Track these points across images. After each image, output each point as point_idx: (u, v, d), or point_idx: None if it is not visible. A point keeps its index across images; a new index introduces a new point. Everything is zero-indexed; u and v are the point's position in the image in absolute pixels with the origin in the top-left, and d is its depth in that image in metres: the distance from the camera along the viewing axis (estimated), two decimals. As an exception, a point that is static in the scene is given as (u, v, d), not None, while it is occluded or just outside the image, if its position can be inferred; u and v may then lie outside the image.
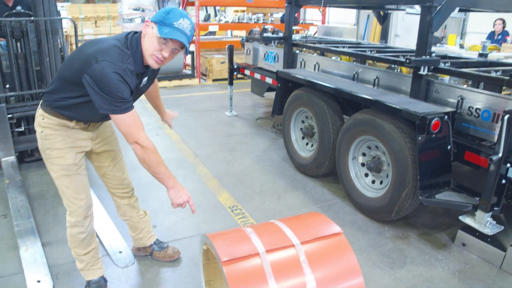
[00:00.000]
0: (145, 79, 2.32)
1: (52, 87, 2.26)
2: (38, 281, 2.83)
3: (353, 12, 12.23)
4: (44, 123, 2.30)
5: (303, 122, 4.51)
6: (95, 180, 3.72)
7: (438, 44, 8.64)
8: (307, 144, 4.51)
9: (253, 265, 1.79)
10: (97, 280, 2.66)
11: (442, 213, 3.72)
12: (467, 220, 3.08)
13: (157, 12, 2.11)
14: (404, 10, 5.40)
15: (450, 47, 8.38)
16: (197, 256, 3.06)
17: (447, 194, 3.13)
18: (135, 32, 2.20)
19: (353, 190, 3.70)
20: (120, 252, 3.10)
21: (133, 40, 2.14)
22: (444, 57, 4.36)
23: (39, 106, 2.35)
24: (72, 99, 2.20)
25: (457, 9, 3.47)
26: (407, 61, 3.21)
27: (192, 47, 9.88)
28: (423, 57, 3.32)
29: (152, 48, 2.10)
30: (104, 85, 2.00)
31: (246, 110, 7.15)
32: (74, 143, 2.37)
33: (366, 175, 3.67)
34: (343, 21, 12.55)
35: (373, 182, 3.62)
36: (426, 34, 3.28)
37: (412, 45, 3.52)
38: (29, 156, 4.93)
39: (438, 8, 3.23)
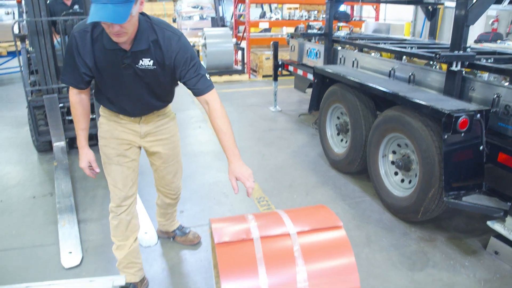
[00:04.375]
0: (134, 69, 2.13)
1: None
2: (70, 252, 3.08)
3: (411, 8, 11.82)
4: (101, 111, 2.44)
5: (338, 118, 4.48)
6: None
7: (499, 41, 8.14)
8: (341, 140, 4.48)
9: (246, 250, 1.83)
10: (127, 284, 2.65)
11: (478, 218, 3.53)
12: (496, 226, 2.93)
13: None
14: (442, 4, 5.18)
15: (514, 43, 7.81)
16: (214, 242, 3.17)
17: (476, 197, 3.01)
18: None
19: (382, 188, 3.64)
20: (146, 233, 3.27)
21: None
22: (493, 53, 4.11)
23: None
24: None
25: (507, 1, 3.29)
26: (437, 56, 3.10)
27: (242, 44, 10.02)
28: (456, 52, 3.18)
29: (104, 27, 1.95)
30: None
31: (290, 106, 7.17)
32: (120, 135, 2.41)
33: (396, 173, 3.59)
34: (400, 18, 12.17)
35: (402, 181, 3.54)
36: (461, 28, 3.14)
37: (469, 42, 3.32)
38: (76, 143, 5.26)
39: (474, 1, 3.09)
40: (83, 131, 2.36)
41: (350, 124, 4.08)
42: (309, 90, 6.41)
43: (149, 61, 2.09)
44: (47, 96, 4.74)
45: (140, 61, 2.09)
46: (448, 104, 2.96)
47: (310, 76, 5.66)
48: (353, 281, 1.87)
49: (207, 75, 2.21)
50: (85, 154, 2.40)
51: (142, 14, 2.02)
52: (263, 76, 9.78)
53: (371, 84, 3.66)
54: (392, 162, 3.60)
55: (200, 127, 5.97)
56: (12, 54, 9.50)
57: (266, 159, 4.81)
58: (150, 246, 3.14)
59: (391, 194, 3.53)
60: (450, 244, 3.16)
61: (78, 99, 2.28)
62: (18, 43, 5.26)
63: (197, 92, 2.19)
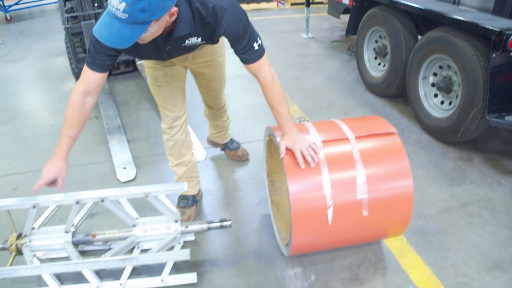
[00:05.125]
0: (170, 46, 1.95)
1: None
2: (124, 168, 3.26)
3: None
4: None
5: (376, 42, 4.45)
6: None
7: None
8: (379, 64, 4.48)
9: (308, 152, 1.96)
10: (185, 197, 2.73)
11: (515, 141, 3.63)
12: (537, 145, 3.00)
13: None
14: None
15: None
16: (262, 157, 3.32)
17: (520, 117, 3.03)
18: None
19: (420, 110, 3.69)
20: (194, 149, 3.44)
21: None
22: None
23: None
24: None
25: None
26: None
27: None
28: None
29: None
30: None
31: (322, 33, 7.08)
32: None
33: (436, 95, 3.63)
34: None
35: (442, 103, 3.58)
36: None
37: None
38: (115, 69, 5.38)
39: None
40: (70, 140, 1.98)
41: (390, 47, 4.07)
42: (343, 16, 6.32)
43: (196, 38, 1.91)
44: (84, 22, 4.78)
45: (187, 40, 1.90)
46: (499, 23, 2.93)
47: (345, 1, 5.54)
48: (407, 186, 2.00)
49: (258, 43, 1.96)
50: (59, 167, 1.97)
51: None
52: (291, 4, 9.58)
53: (417, 5, 3.60)
54: (433, 84, 3.63)
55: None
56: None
57: (302, 82, 4.88)
58: (200, 161, 3.32)
59: (430, 115, 3.59)
60: (487, 164, 3.25)
61: (81, 102, 1.93)
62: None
63: (243, 61, 2.01)
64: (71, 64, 5.13)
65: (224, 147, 3.31)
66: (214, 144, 3.36)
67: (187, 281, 2.20)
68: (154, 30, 1.60)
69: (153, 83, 2.42)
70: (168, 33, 1.80)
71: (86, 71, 1.89)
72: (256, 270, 2.29)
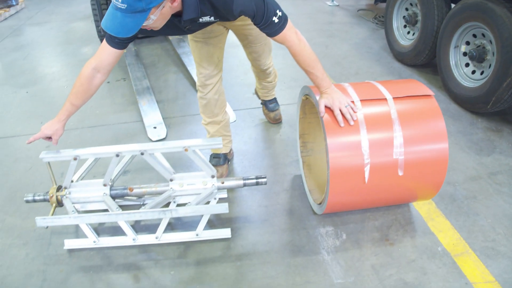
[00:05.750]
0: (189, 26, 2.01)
1: None
2: (155, 127, 3.32)
3: None
4: None
5: (406, 9, 4.37)
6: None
7: None
8: (408, 32, 4.42)
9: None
10: (217, 155, 2.78)
11: (545, 113, 3.58)
12: None
13: None
14: None
15: None
16: (292, 120, 3.38)
17: (556, 87, 2.99)
18: None
19: (450, 79, 3.66)
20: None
21: None
22: None
23: None
24: None
25: None
26: None
27: None
28: None
29: None
30: None
31: (347, 1, 6.95)
32: None
33: (467, 65, 3.58)
34: None
35: (473, 72, 3.53)
36: None
37: None
38: (140, 32, 5.38)
39: None
40: (73, 107, 2.10)
41: (421, 15, 4.00)
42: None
43: (209, 17, 1.93)
44: (111, -17, 4.76)
45: (200, 19, 1.93)
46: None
47: (375, -33, 5.44)
48: (443, 149, 2.01)
49: (277, 16, 1.92)
50: (56, 128, 2.13)
51: None
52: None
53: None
54: (464, 53, 3.57)
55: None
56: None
57: (330, 49, 4.86)
58: (230, 122, 3.36)
59: (460, 85, 3.55)
60: (517, 135, 3.24)
61: (90, 75, 2.01)
62: None
63: (267, 35, 2.02)
64: (97, 26, 5.14)
65: (263, 103, 3.33)
66: (257, 95, 3.40)
67: (221, 236, 2.27)
68: (157, 17, 1.66)
69: (191, 38, 2.44)
70: (180, 16, 1.84)
71: (104, 46, 1.96)
72: (288, 227, 2.36)
